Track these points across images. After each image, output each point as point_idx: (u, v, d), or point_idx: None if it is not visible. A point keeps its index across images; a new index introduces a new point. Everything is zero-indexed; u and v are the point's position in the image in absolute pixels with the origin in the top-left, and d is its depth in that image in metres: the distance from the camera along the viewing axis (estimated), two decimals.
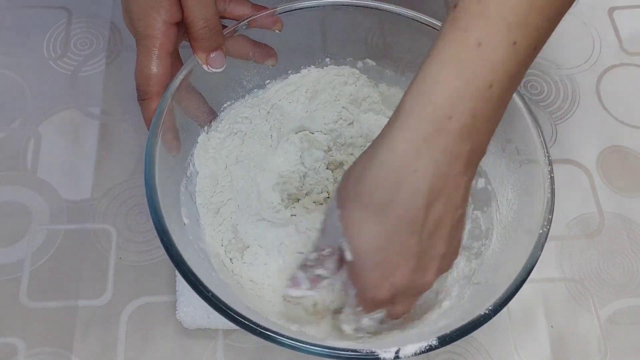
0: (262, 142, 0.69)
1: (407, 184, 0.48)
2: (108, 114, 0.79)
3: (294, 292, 0.59)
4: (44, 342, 0.66)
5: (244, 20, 0.65)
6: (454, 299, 0.59)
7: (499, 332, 0.68)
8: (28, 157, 0.76)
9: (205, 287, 0.52)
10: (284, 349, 0.51)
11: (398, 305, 0.54)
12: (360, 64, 0.72)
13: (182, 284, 0.66)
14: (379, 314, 0.55)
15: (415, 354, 0.51)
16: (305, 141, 0.71)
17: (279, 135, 0.70)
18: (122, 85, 0.80)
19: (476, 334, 0.65)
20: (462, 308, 0.57)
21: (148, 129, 0.59)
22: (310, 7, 0.67)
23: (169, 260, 0.53)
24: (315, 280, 0.58)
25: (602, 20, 0.89)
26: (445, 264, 0.53)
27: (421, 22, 0.66)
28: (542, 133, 0.60)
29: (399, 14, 0.66)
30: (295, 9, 0.66)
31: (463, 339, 0.52)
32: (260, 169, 0.69)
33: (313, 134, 0.72)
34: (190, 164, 0.65)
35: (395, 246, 0.50)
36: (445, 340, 0.51)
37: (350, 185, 0.52)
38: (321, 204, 0.68)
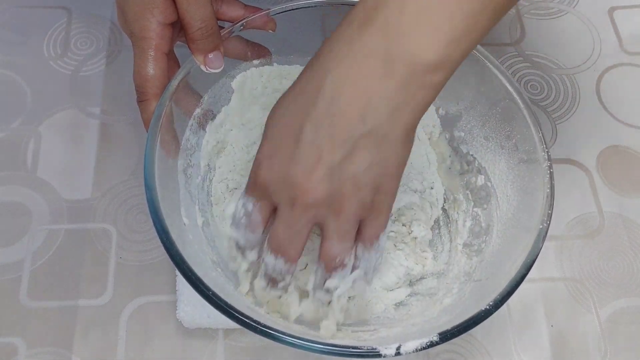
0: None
1: (320, 67, 0.47)
2: (108, 114, 0.79)
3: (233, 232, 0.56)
4: (44, 342, 0.66)
5: (239, 21, 0.65)
6: (455, 295, 0.59)
7: (499, 332, 0.68)
8: (28, 157, 0.76)
9: (206, 287, 0.52)
10: (285, 348, 0.51)
11: (325, 232, 0.51)
12: None
13: (182, 283, 0.66)
14: (250, 204, 0.52)
15: (417, 350, 0.51)
16: None
17: None
18: (122, 85, 0.80)
19: (476, 333, 0.65)
20: (463, 304, 0.57)
21: (147, 130, 0.59)
22: (309, 7, 0.67)
23: (169, 260, 0.53)
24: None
25: (602, 20, 0.89)
26: (336, 184, 0.48)
27: None
28: (540, 129, 0.60)
29: None
30: (294, 9, 0.67)
31: (463, 338, 0.52)
32: None
33: None
34: (190, 164, 0.65)
35: (284, 130, 0.49)
36: (447, 336, 0.51)
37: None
38: None
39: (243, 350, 0.66)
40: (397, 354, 0.50)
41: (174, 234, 0.54)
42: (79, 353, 0.66)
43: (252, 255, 0.56)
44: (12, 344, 0.66)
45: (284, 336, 0.50)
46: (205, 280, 0.52)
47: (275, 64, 0.70)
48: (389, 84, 0.45)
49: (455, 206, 0.69)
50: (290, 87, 0.51)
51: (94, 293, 0.69)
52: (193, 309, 0.65)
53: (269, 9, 0.66)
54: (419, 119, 0.48)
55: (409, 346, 0.50)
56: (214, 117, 0.67)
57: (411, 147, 0.49)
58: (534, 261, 0.54)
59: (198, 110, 0.65)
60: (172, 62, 0.63)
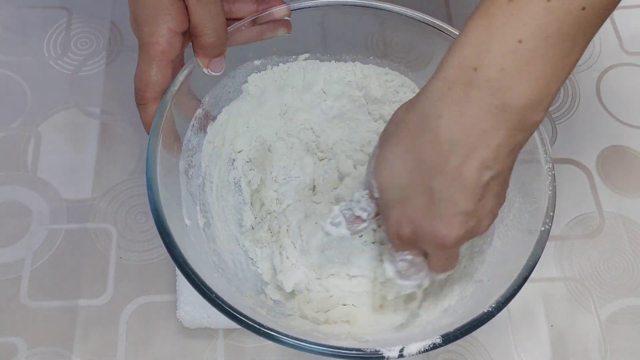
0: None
1: (431, 128, 0.49)
2: (108, 114, 0.79)
3: (330, 229, 0.59)
4: (44, 342, 0.66)
5: (246, 19, 0.65)
6: (457, 297, 0.59)
7: (499, 332, 0.68)
8: (28, 157, 0.76)
9: (208, 288, 0.51)
10: (286, 348, 0.51)
11: (433, 258, 0.56)
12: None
13: (182, 283, 0.66)
14: (409, 256, 0.56)
15: (419, 352, 0.51)
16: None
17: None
18: (122, 85, 0.80)
19: (476, 333, 0.65)
20: (464, 306, 0.57)
21: (147, 132, 0.59)
22: (310, 7, 0.67)
23: (169, 260, 0.53)
24: (354, 221, 0.59)
25: None
26: (471, 224, 0.52)
27: (421, 22, 0.66)
28: (542, 130, 0.60)
29: (399, 14, 0.66)
30: (294, 9, 0.66)
31: (464, 338, 0.52)
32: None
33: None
34: (191, 165, 0.65)
35: (414, 186, 0.51)
36: (449, 338, 0.51)
37: (389, 128, 0.54)
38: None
39: (243, 350, 0.67)
40: (400, 356, 0.50)
41: (175, 235, 0.54)
42: (79, 353, 0.66)
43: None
44: (12, 344, 0.66)
45: (286, 338, 0.50)
46: (208, 281, 0.52)
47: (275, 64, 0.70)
48: (504, 133, 0.48)
49: None
50: (388, 145, 0.53)
51: (94, 293, 0.69)
52: (193, 309, 0.65)
53: (280, 4, 0.66)
54: None
55: (412, 348, 0.50)
56: (214, 118, 0.67)
57: None
58: (536, 263, 0.54)
59: (199, 111, 0.65)
60: (177, 67, 0.62)
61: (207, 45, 0.60)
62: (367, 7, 0.67)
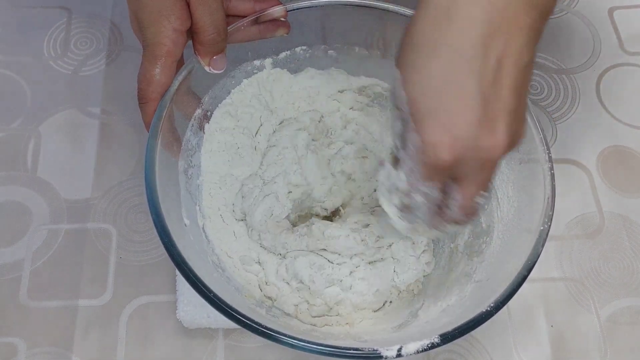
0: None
1: (461, 12, 0.44)
2: (108, 114, 0.79)
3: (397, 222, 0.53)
4: (44, 342, 0.66)
5: (247, 18, 0.65)
6: (456, 297, 0.59)
7: (499, 332, 0.68)
8: (28, 157, 0.76)
9: (207, 288, 0.52)
10: (285, 348, 0.51)
11: (466, 182, 0.48)
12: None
13: (182, 283, 0.66)
14: (433, 190, 0.49)
15: (418, 352, 0.51)
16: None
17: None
18: (122, 85, 0.81)
19: (476, 333, 0.65)
20: (463, 306, 0.57)
21: (147, 131, 0.59)
22: (310, 7, 0.67)
23: (169, 260, 0.53)
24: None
25: (602, 20, 0.89)
26: (517, 125, 0.46)
27: None
28: (542, 130, 0.60)
29: (399, 13, 0.66)
30: (294, 9, 0.66)
31: (463, 338, 0.52)
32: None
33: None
34: (191, 165, 0.65)
35: (452, 88, 0.44)
36: (448, 337, 0.51)
37: (405, 39, 0.47)
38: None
39: (243, 350, 0.67)
40: (399, 355, 0.50)
41: (175, 235, 0.54)
42: (79, 353, 0.66)
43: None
44: (12, 344, 0.66)
45: (285, 337, 0.50)
46: (207, 281, 0.52)
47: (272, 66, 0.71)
48: (535, 15, 0.45)
49: None
50: (407, 64, 0.47)
51: (94, 293, 0.69)
52: (193, 309, 0.65)
53: (279, 2, 0.66)
54: None
55: (410, 348, 0.50)
56: (209, 119, 0.67)
57: None
58: (534, 262, 0.54)
59: (199, 111, 0.65)
60: (178, 66, 0.62)
61: (207, 42, 0.60)
62: (367, 7, 0.67)
